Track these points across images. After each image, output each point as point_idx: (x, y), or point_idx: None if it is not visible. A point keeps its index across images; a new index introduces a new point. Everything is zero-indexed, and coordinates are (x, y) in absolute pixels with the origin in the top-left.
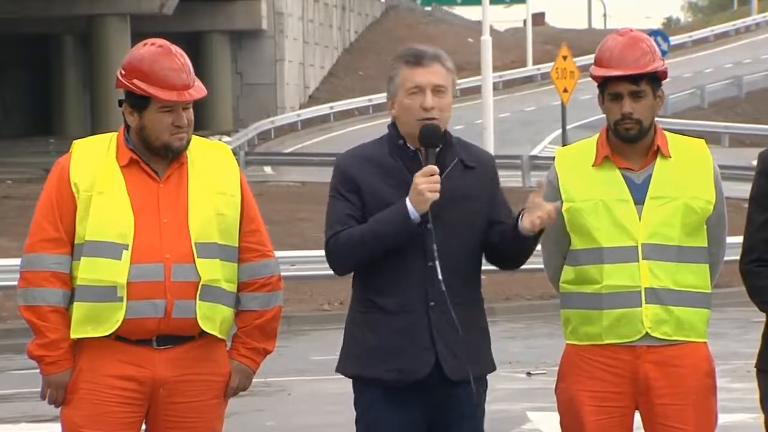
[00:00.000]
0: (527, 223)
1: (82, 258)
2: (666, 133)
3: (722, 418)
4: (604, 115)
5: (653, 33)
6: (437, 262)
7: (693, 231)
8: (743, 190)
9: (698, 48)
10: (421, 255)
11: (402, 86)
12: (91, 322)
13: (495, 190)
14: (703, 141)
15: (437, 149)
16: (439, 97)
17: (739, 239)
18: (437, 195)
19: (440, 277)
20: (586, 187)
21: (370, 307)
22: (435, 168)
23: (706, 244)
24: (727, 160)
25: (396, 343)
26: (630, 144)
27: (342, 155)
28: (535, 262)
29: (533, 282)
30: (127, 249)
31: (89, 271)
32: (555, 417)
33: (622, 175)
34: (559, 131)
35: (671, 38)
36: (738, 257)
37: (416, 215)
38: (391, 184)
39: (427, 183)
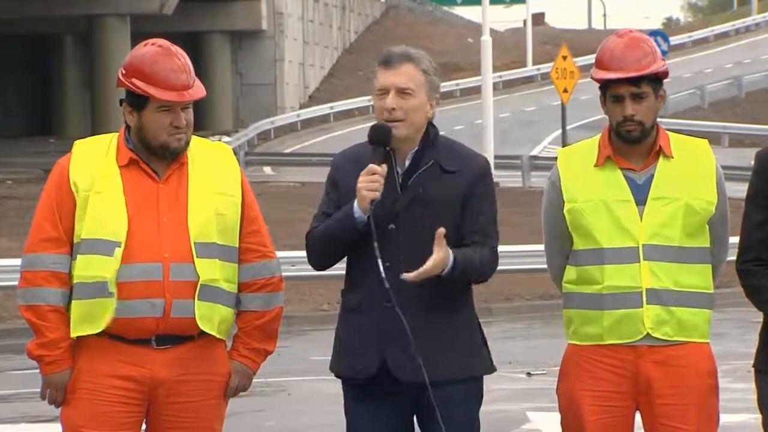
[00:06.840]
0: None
1: (78, 256)
2: (668, 133)
3: (723, 419)
4: (605, 116)
5: (653, 33)
6: (379, 260)
7: (694, 231)
8: (743, 190)
9: (698, 48)
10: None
11: (375, 88)
12: (86, 320)
13: (474, 197)
14: (706, 141)
15: (388, 149)
16: (402, 98)
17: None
18: (376, 194)
19: (383, 275)
20: (587, 188)
21: (342, 304)
22: (376, 167)
23: (708, 245)
24: (727, 160)
25: (354, 341)
26: (632, 145)
27: (337, 154)
28: (534, 262)
29: (533, 282)
30: (120, 246)
31: (84, 268)
32: (555, 417)
33: (624, 175)
34: (559, 131)
35: (671, 38)
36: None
37: (359, 213)
38: None
39: (364, 182)
